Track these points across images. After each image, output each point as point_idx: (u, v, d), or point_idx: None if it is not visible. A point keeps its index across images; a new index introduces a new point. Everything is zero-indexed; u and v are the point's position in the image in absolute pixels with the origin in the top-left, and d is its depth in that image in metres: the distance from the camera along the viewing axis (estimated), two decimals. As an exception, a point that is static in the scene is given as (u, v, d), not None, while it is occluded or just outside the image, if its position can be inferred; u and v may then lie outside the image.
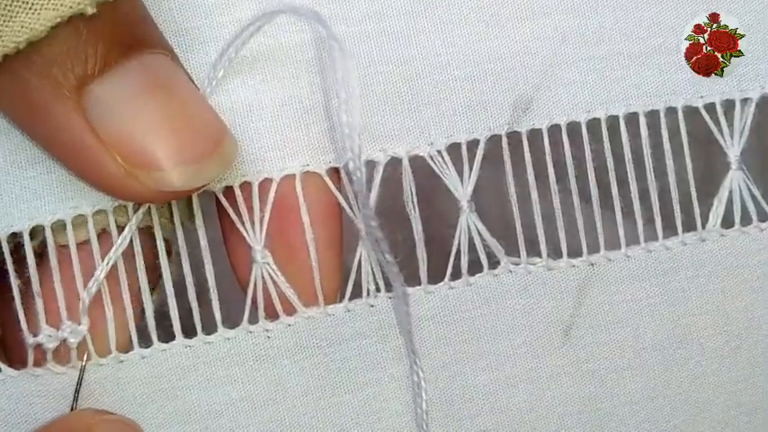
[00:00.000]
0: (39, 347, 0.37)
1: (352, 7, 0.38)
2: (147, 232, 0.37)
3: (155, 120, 0.33)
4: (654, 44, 0.40)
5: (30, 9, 0.31)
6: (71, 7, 0.32)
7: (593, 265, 0.40)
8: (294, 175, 0.38)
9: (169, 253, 0.38)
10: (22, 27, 0.31)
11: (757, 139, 0.42)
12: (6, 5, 0.32)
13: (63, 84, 0.32)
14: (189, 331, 0.38)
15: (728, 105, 0.41)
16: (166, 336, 0.38)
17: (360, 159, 0.35)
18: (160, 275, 0.38)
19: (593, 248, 0.40)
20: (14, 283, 0.36)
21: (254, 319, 0.38)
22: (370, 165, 0.38)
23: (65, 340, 0.37)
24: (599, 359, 0.41)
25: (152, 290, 0.38)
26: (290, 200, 0.38)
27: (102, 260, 0.37)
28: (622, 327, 0.41)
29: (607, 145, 0.40)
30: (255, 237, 0.38)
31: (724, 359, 0.42)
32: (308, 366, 0.39)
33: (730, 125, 0.41)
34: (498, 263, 0.40)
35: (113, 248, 0.37)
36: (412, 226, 0.39)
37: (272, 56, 0.38)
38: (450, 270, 0.39)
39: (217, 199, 0.38)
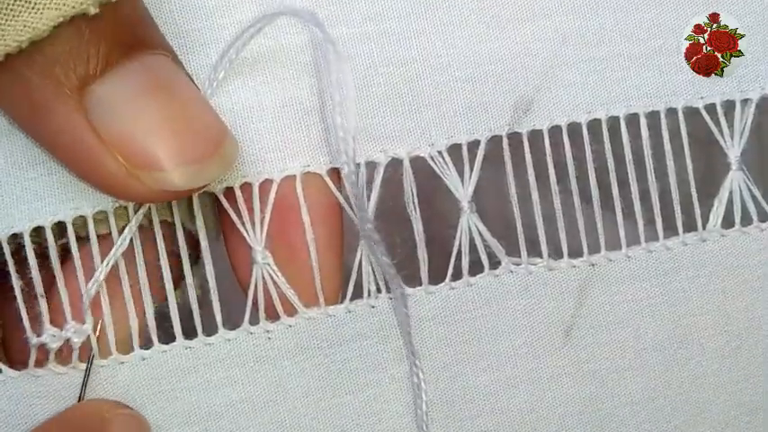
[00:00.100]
0: (42, 347, 0.37)
1: (352, 9, 0.38)
2: (167, 228, 0.38)
3: (156, 120, 0.33)
4: (654, 45, 0.40)
5: (33, 8, 0.31)
6: (74, 7, 0.32)
7: (593, 265, 0.40)
8: (295, 175, 0.38)
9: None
10: (25, 26, 0.31)
11: (757, 139, 0.42)
12: (9, 4, 0.32)
13: (65, 83, 0.32)
14: (189, 332, 0.38)
15: (729, 106, 0.41)
16: (167, 337, 0.38)
17: (354, 163, 0.35)
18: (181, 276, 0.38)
19: (594, 249, 0.40)
20: (16, 284, 0.36)
21: (254, 320, 0.38)
22: (371, 166, 0.38)
23: (68, 340, 0.37)
24: (600, 359, 0.41)
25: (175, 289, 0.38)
26: (291, 200, 0.38)
27: (118, 259, 0.37)
28: (623, 327, 0.41)
29: (608, 146, 0.40)
30: (256, 237, 0.38)
31: (725, 359, 0.42)
32: (308, 367, 0.39)
33: (730, 126, 0.41)
34: (499, 263, 0.40)
35: (113, 249, 0.37)
36: (413, 227, 0.39)
37: (272, 57, 0.38)
38: (451, 270, 0.39)
39: (217, 200, 0.38)
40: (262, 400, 0.39)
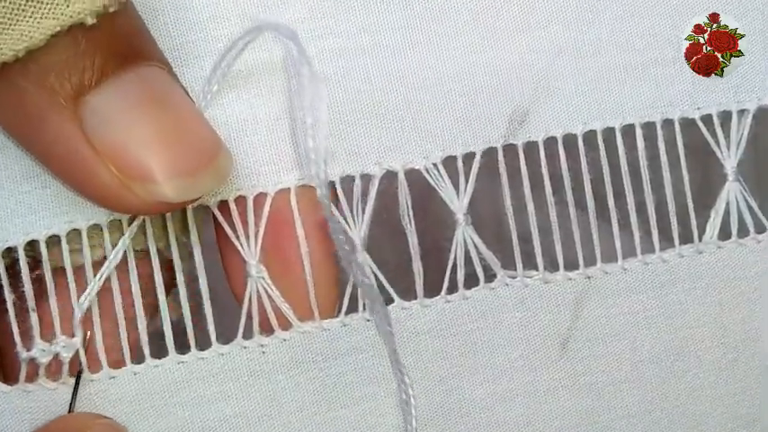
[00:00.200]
0: (32, 362, 0.36)
1: (347, 21, 0.38)
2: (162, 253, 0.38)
3: (149, 132, 0.33)
4: (650, 56, 0.40)
5: (30, 17, 0.31)
6: (71, 17, 0.31)
7: (589, 277, 0.40)
8: (289, 189, 0.38)
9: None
10: (22, 35, 0.31)
11: (754, 150, 0.42)
12: (6, 13, 0.31)
13: (59, 93, 0.32)
14: (182, 346, 0.38)
15: (725, 117, 0.41)
16: (159, 351, 0.38)
17: (326, 186, 0.34)
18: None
19: (590, 261, 0.40)
20: (9, 297, 0.36)
21: (248, 334, 0.38)
22: (366, 178, 0.38)
23: (57, 355, 0.36)
24: (596, 372, 0.41)
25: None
26: (285, 214, 0.38)
27: (111, 273, 0.37)
28: (620, 339, 0.41)
29: (604, 157, 0.40)
30: (250, 251, 0.38)
31: (721, 371, 0.42)
32: (303, 381, 0.39)
33: (727, 137, 0.41)
34: (495, 276, 0.40)
35: (105, 264, 0.37)
36: (408, 239, 0.39)
37: (266, 70, 0.37)
38: (446, 283, 0.39)
39: (212, 213, 0.38)
40: (256, 414, 0.38)
